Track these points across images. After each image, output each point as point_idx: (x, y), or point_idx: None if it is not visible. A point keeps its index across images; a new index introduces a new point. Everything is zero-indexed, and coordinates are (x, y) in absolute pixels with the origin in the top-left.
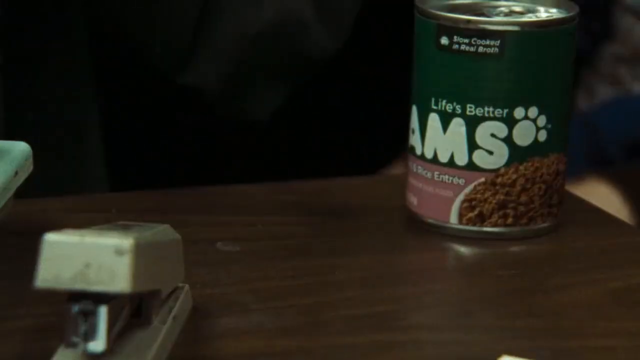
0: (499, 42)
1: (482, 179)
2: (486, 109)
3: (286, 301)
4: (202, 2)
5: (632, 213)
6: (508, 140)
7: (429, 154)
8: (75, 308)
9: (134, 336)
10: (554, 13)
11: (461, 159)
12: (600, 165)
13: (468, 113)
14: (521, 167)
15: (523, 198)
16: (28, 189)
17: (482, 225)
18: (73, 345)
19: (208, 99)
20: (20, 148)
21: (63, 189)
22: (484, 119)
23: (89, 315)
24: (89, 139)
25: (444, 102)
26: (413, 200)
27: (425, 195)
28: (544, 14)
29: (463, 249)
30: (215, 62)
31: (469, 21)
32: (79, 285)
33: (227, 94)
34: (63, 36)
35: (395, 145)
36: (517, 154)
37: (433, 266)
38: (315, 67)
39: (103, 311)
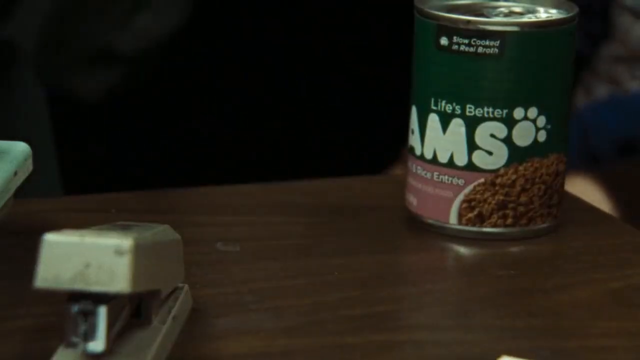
0: (498, 42)
1: (482, 180)
2: (486, 109)
3: (286, 301)
4: None
5: (614, 210)
6: (508, 140)
7: (428, 155)
8: (75, 308)
9: (134, 336)
10: (553, 13)
11: (461, 160)
12: (592, 163)
13: (467, 113)
14: (521, 168)
15: (523, 198)
16: (28, 189)
17: (481, 225)
18: (73, 345)
19: (33, 61)
20: (20, 148)
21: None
22: (483, 119)
23: (89, 315)
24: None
25: (443, 102)
26: (413, 200)
27: (425, 195)
28: (543, 14)
29: (463, 249)
30: (32, 18)
31: (468, 21)
32: (79, 285)
33: (48, 63)
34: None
35: (395, 145)
36: (516, 154)
37: (433, 266)
38: (150, 53)
39: (103, 311)
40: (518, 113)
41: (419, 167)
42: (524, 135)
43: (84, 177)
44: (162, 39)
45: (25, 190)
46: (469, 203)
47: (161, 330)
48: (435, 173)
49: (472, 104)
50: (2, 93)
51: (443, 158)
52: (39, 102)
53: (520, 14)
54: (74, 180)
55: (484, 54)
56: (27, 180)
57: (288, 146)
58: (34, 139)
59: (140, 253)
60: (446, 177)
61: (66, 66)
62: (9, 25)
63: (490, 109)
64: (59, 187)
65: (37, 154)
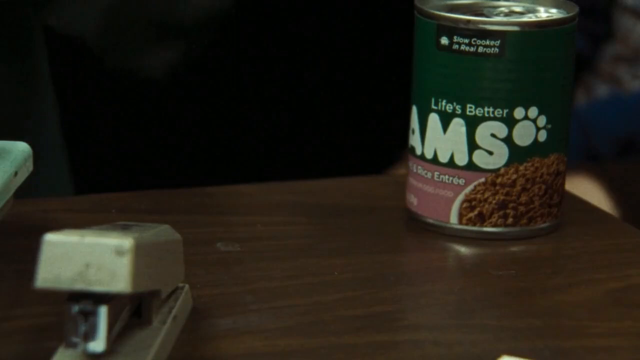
0: (499, 42)
1: (482, 179)
2: (486, 109)
3: (286, 301)
4: None
5: (614, 209)
6: (508, 140)
7: (429, 154)
8: (75, 308)
9: (134, 336)
10: (554, 13)
11: (461, 159)
12: (592, 163)
13: (468, 113)
14: (521, 167)
15: (523, 198)
16: (28, 189)
17: (482, 225)
18: (73, 345)
19: (94, 50)
20: (20, 148)
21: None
22: (484, 119)
23: (89, 315)
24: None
25: (444, 102)
26: (413, 200)
27: (425, 195)
28: (544, 14)
29: (463, 249)
30: (84, 8)
31: (469, 21)
32: (79, 285)
33: (112, 46)
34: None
35: (395, 146)
36: (517, 154)
37: (433, 266)
38: (207, 26)
39: (103, 311)
40: (518, 113)
41: (419, 167)
42: (524, 135)
43: (94, 176)
44: (219, 10)
45: (36, 189)
46: (469, 203)
47: (161, 331)
48: (436, 173)
49: (472, 103)
50: (14, 84)
51: (443, 158)
52: (50, 102)
53: (521, 13)
54: (84, 179)
55: (485, 53)
56: (38, 179)
57: (288, 146)
58: (44, 136)
59: (140, 253)
60: (447, 176)
61: (130, 46)
62: (64, 16)
63: (491, 109)
64: (69, 187)
65: (47, 152)
